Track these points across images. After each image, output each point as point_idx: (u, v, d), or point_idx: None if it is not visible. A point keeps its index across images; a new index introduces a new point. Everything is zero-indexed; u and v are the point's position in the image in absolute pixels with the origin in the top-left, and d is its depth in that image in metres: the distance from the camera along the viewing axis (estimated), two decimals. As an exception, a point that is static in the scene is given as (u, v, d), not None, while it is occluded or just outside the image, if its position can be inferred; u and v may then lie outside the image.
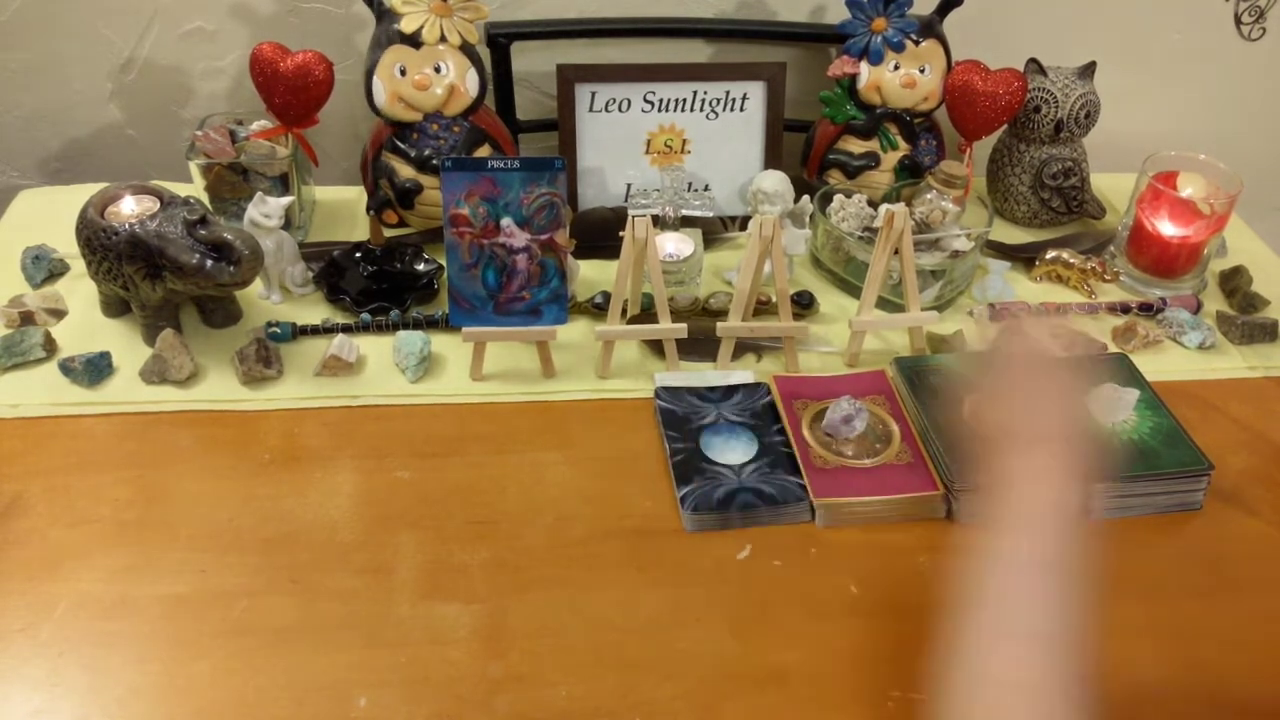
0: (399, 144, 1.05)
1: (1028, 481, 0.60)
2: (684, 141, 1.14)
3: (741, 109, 1.13)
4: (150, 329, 0.93)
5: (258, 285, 1.01)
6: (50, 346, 0.93)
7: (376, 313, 0.98)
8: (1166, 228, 1.05)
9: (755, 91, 1.13)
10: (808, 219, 1.08)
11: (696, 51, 1.21)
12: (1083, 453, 0.61)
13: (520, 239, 0.88)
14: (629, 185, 1.14)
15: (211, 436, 0.86)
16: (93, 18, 1.13)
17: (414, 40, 1.01)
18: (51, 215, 1.04)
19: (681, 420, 0.87)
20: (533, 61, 1.18)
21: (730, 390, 0.91)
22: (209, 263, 0.85)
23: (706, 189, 1.14)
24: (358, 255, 1.05)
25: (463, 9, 1.02)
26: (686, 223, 1.08)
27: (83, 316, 0.98)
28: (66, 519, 0.78)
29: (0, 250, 1.05)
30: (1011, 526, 0.59)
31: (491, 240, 0.88)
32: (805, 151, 1.19)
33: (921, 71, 1.11)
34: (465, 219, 0.87)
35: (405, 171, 1.05)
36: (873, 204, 1.08)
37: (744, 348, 0.97)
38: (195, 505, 0.80)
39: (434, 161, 1.04)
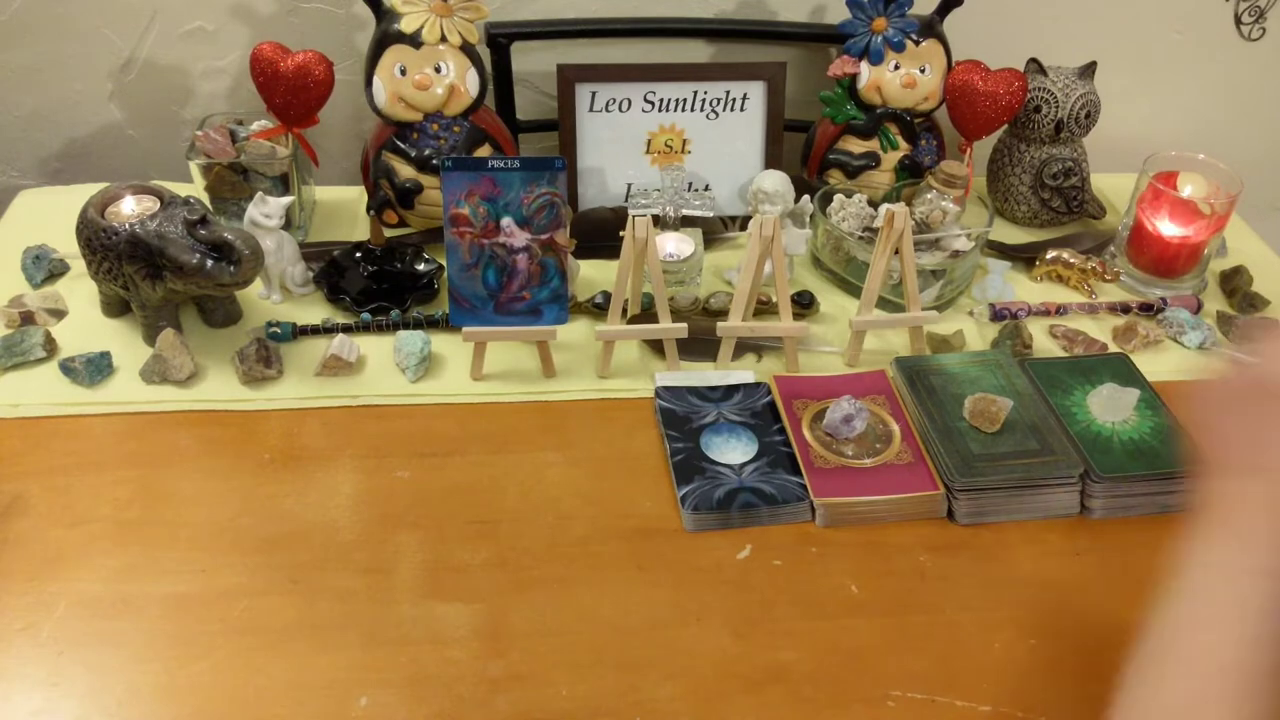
0: (399, 144, 1.05)
1: (1245, 505, 0.59)
2: (684, 141, 1.14)
3: (741, 109, 1.13)
4: (150, 329, 0.93)
5: (258, 285, 1.01)
6: (50, 346, 0.93)
7: (376, 313, 0.98)
8: (1166, 228, 1.05)
9: (755, 91, 1.13)
10: (808, 219, 1.08)
11: (696, 51, 1.21)
12: None
13: (520, 239, 0.88)
14: (629, 185, 1.14)
15: (211, 436, 0.86)
16: (93, 18, 1.13)
17: (414, 40, 1.01)
18: (51, 215, 1.04)
19: (682, 420, 0.87)
20: (533, 61, 1.18)
21: (730, 390, 0.91)
22: (209, 263, 0.85)
23: (707, 189, 1.14)
24: (358, 255, 1.04)
25: (463, 9, 1.02)
26: (687, 223, 1.08)
27: (83, 316, 0.98)
28: (66, 519, 0.78)
29: (0, 250, 1.05)
30: (1225, 539, 0.59)
31: (491, 240, 0.88)
32: (805, 151, 1.19)
33: (922, 71, 1.11)
34: (465, 219, 0.87)
35: (405, 171, 1.05)
36: (873, 204, 1.08)
37: (744, 348, 0.97)
38: (195, 505, 0.80)
39: (434, 161, 1.04)
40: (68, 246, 0.98)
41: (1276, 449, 0.61)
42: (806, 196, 1.08)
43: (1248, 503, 0.59)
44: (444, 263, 0.93)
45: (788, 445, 0.85)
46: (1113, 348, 1.00)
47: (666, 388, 0.91)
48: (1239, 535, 0.58)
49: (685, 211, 1.07)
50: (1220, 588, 0.57)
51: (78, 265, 1.01)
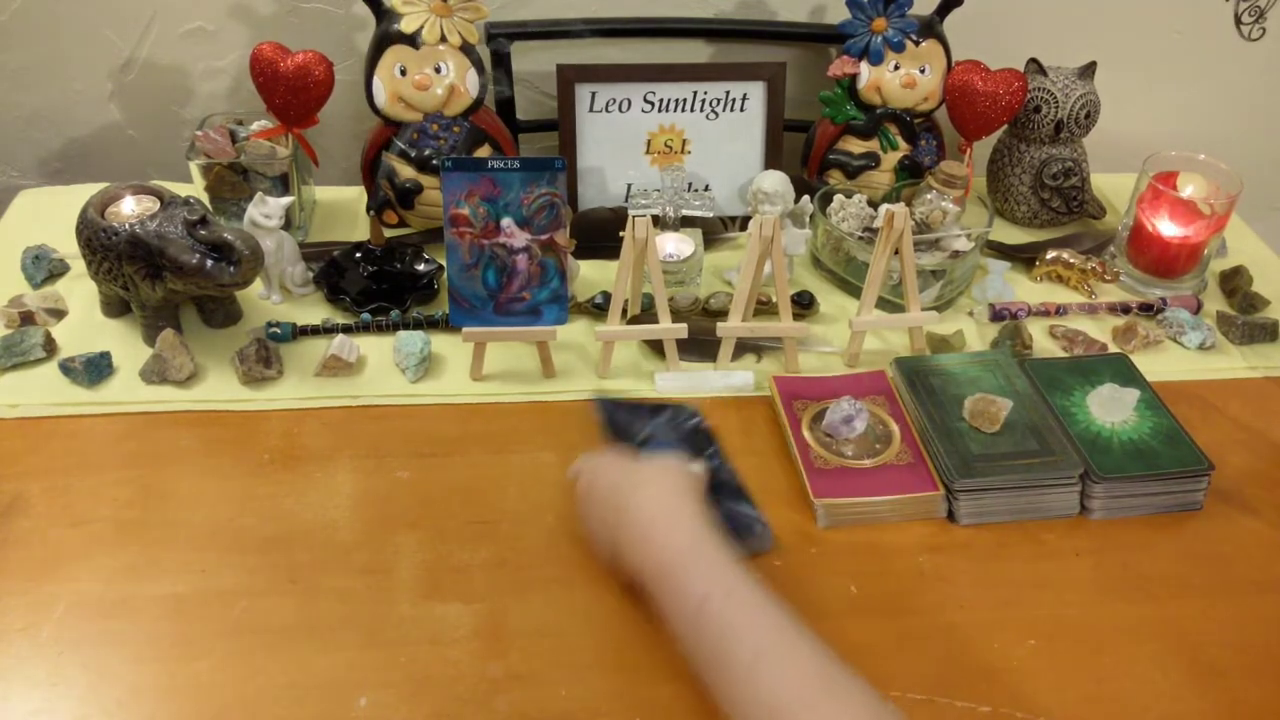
0: (399, 144, 1.05)
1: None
2: (684, 141, 1.14)
3: (741, 109, 1.13)
4: (150, 329, 0.93)
5: (258, 285, 1.01)
6: (50, 346, 0.93)
7: (376, 313, 0.98)
8: (1166, 228, 1.05)
9: (755, 91, 1.13)
10: (808, 219, 1.08)
11: (696, 51, 1.21)
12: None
13: (520, 239, 0.88)
14: (629, 185, 1.14)
15: (211, 436, 0.86)
16: (93, 18, 1.13)
17: (414, 40, 1.01)
18: (51, 215, 1.04)
19: (624, 431, 0.82)
20: (533, 61, 1.18)
21: (657, 409, 0.85)
22: (209, 263, 0.85)
23: (706, 189, 1.14)
24: (358, 255, 1.04)
25: (463, 9, 1.03)
26: (686, 223, 1.08)
27: (83, 316, 0.98)
28: (66, 519, 0.78)
29: (0, 250, 1.05)
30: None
31: (491, 240, 0.88)
32: (805, 151, 1.19)
33: (921, 71, 1.12)
34: (465, 219, 0.87)
35: (405, 171, 1.05)
36: (873, 204, 1.08)
37: (744, 348, 0.97)
38: (195, 505, 0.80)
39: (434, 161, 1.04)
40: (68, 246, 0.98)
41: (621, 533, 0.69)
42: (806, 197, 1.08)
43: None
44: (444, 263, 0.93)
45: (726, 470, 0.81)
46: (1113, 348, 1.00)
47: (606, 399, 0.87)
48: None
49: (685, 212, 1.07)
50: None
51: (78, 265, 1.01)
